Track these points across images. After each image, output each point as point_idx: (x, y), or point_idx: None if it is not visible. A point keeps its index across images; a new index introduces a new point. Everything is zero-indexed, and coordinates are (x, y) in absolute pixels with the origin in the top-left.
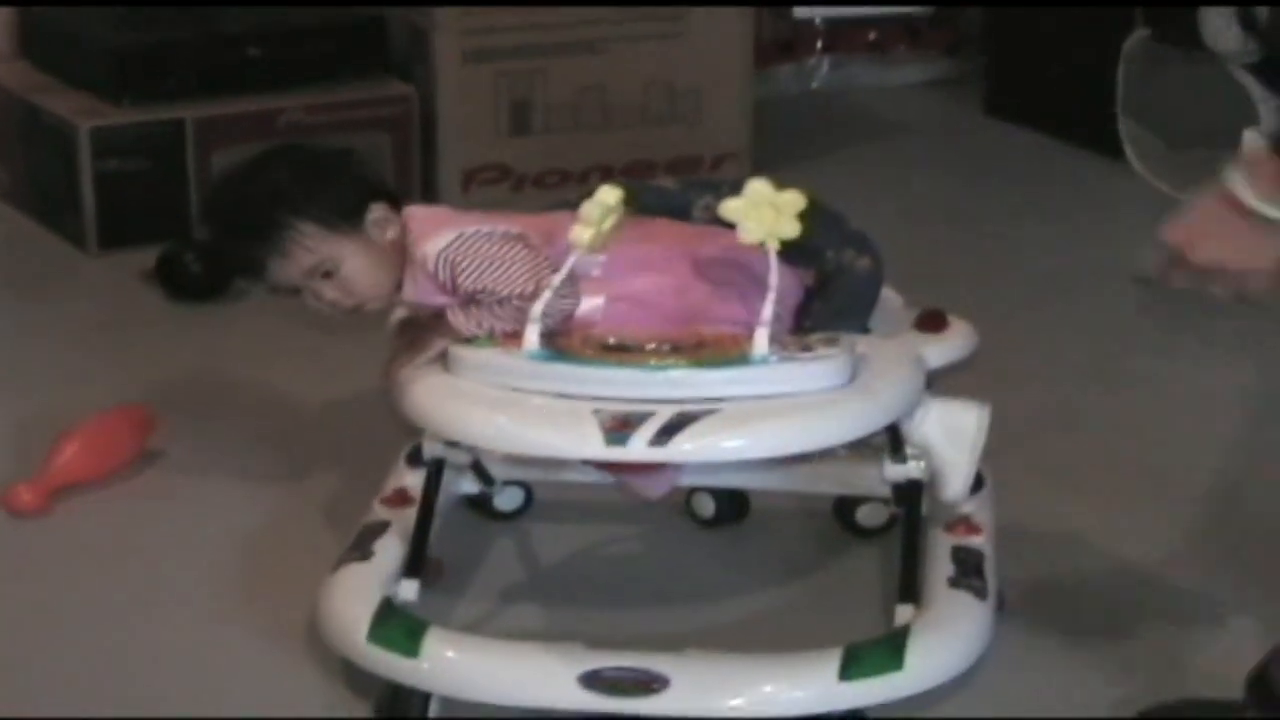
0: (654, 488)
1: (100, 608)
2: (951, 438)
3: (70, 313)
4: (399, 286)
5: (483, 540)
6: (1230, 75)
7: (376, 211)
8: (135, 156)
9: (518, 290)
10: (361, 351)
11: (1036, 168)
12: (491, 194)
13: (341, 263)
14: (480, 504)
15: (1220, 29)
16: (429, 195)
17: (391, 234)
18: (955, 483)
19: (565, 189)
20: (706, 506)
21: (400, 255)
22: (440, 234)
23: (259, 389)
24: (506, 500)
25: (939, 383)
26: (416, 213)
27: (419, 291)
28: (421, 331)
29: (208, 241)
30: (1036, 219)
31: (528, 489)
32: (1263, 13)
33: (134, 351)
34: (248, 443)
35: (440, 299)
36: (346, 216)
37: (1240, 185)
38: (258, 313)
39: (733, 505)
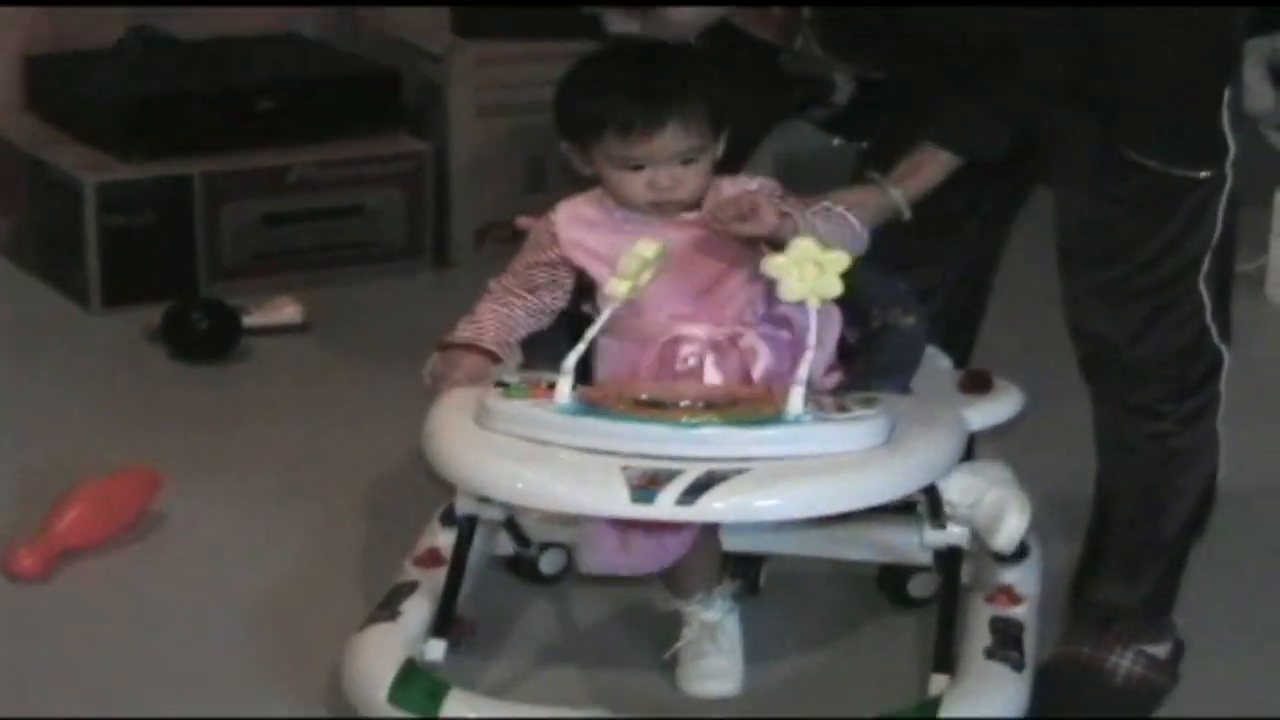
0: (657, 557)
1: (105, 676)
2: (980, 477)
3: (73, 371)
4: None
5: (519, 601)
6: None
7: (727, 129)
8: (142, 212)
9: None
10: (370, 409)
11: None
12: (507, 251)
13: (702, 157)
14: (522, 568)
15: (1253, 89)
16: (441, 253)
17: (718, 156)
18: (1011, 520)
19: None
20: None
21: None
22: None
23: (265, 449)
24: (549, 563)
25: (984, 444)
26: None
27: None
28: (459, 353)
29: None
30: None
31: (569, 551)
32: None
33: (138, 410)
34: (255, 504)
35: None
36: (717, 124)
37: None
38: (264, 371)
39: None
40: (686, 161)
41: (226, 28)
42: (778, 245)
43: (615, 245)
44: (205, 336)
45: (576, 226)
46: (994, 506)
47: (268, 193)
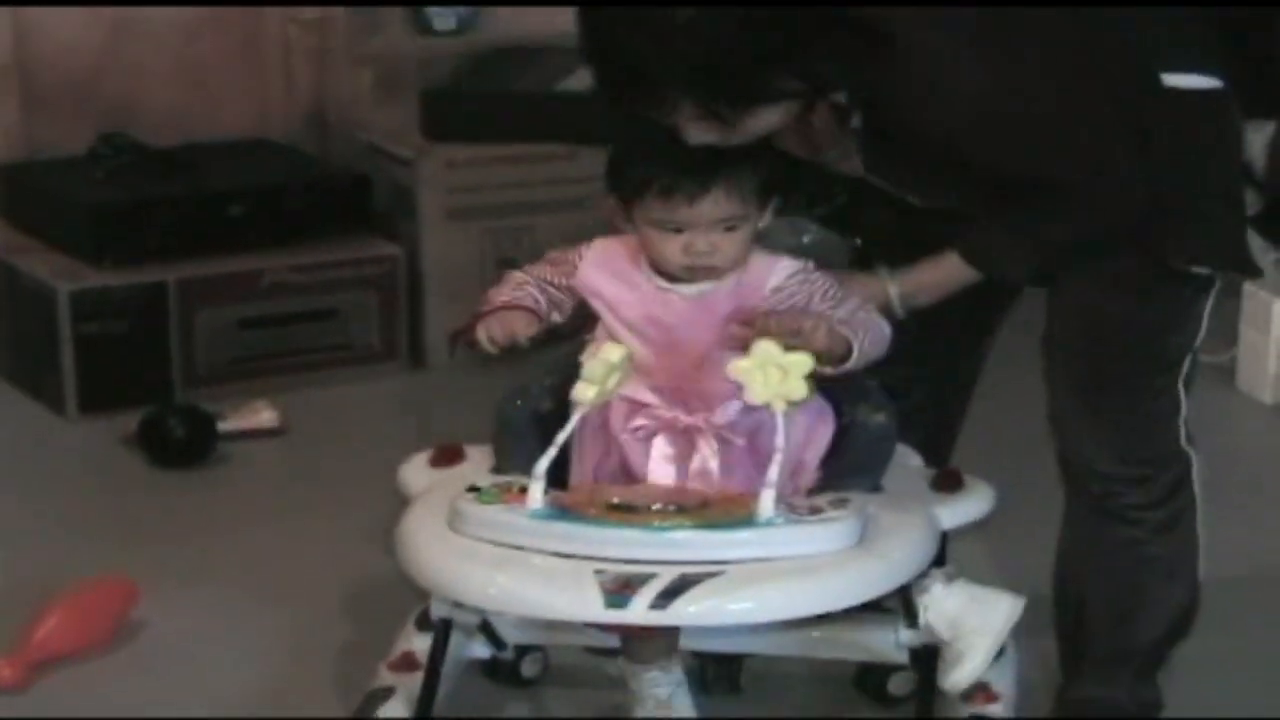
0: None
1: None
2: (977, 621)
3: (50, 479)
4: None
5: (496, 705)
6: None
7: (774, 204)
8: (116, 319)
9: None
10: (347, 512)
11: None
12: (479, 354)
13: (744, 226)
14: (500, 671)
15: None
16: (415, 355)
17: (763, 224)
18: (967, 665)
19: (556, 348)
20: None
21: None
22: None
23: (242, 554)
24: (529, 667)
25: (956, 542)
26: None
27: (742, 286)
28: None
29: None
30: None
31: (546, 654)
32: (1260, 163)
33: (116, 517)
34: (232, 611)
35: (752, 300)
36: (764, 193)
37: None
38: (241, 476)
39: (730, 672)
40: (728, 229)
41: (197, 134)
42: (825, 360)
43: (625, 302)
44: (181, 443)
45: (601, 272)
46: (961, 650)
47: (241, 298)
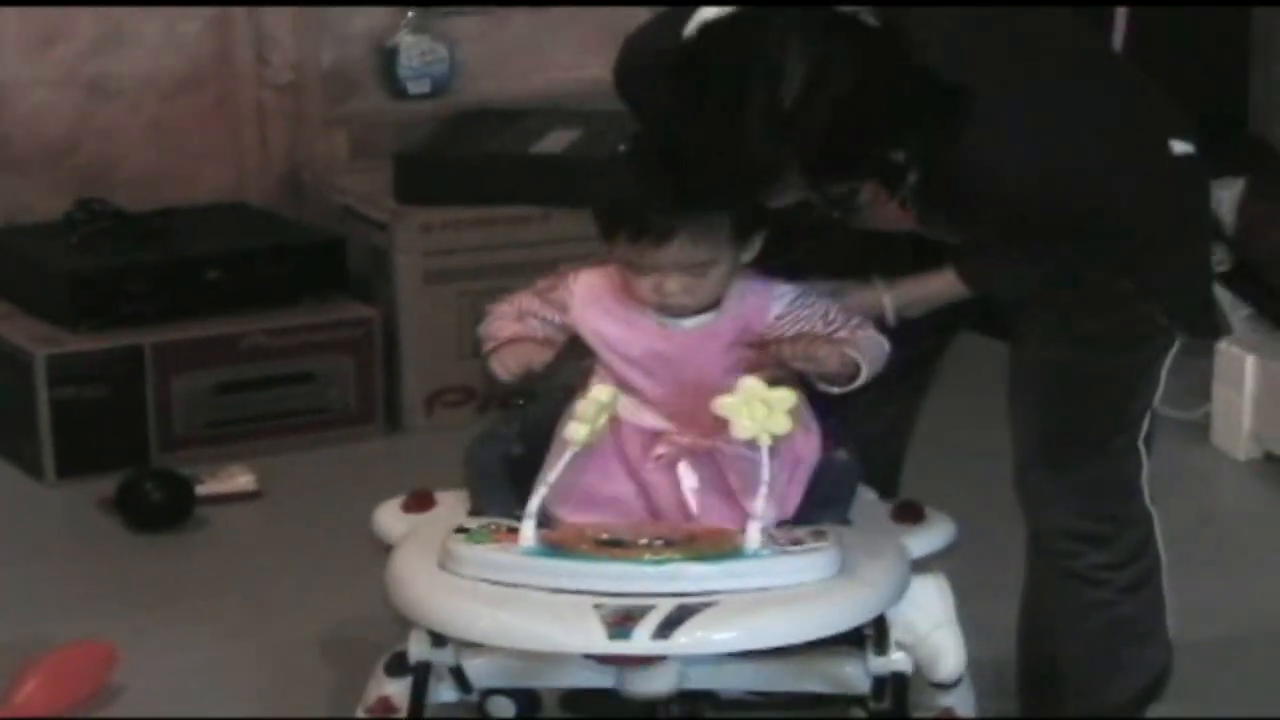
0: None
1: None
2: (921, 612)
3: (27, 543)
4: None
5: None
6: None
7: (758, 239)
8: (93, 384)
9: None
10: (324, 575)
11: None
12: (456, 416)
13: (715, 269)
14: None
15: None
16: (392, 418)
17: (747, 258)
18: (949, 658)
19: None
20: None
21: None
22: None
23: (222, 619)
24: (498, 708)
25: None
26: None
27: (740, 316)
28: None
29: (166, 471)
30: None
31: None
32: (1229, 220)
33: (94, 582)
34: (213, 674)
35: (755, 328)
36: (745, 231)
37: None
38: (218, 540)
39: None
40: (697, 274)
41: (173, 199)
42: (833, 379)
43: (625, 341)
44: (159, 507)
45: (595, 310)
46: (933, 647)
47: (218, 362)
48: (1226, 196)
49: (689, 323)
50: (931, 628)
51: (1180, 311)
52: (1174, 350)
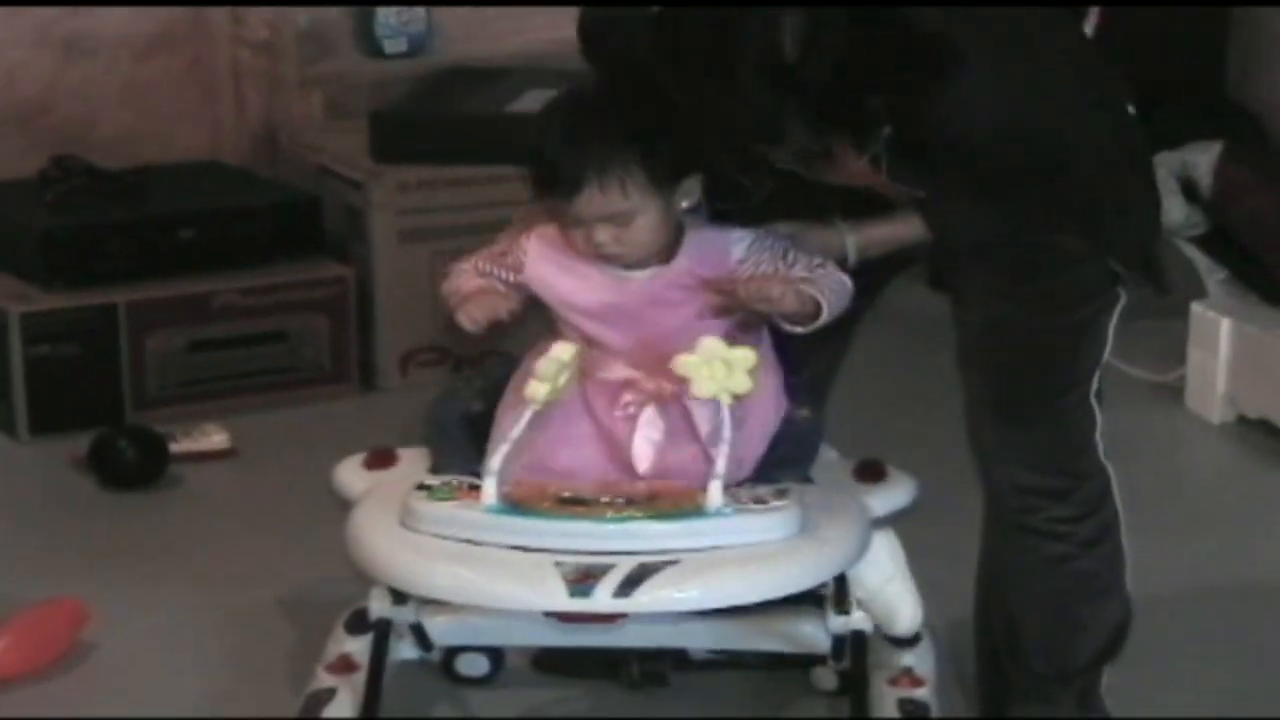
0: None
1: None
2: (870, 568)
3: (0, 501)
4: (662, 256)
5: (430, 703)
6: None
7: (689, 185)
8: (67, 342)
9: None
10: (298, 533)
11: None
12: (431, 376)
13: (639, 216)
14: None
15: (1164, 203)
16: (367, 377)
17: (687, 203)
18: (904, 611)
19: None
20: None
21: (676, 229)
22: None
23: (195, 576)
24: (468, 665)
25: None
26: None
27: (697, 264)
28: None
29: (139, 427)
30: None
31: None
32: (1206, 184)
33: (66, 541)
34: (184, 630)
35: (716, 274)
36: (668, 179)
37: None
38: (192, 498)
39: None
40: (620, 223)
41: (148, 157)
42: (796, 319)
43: (580, 294)
44: (132, 465)
45: (549, 265)
46: (889, 600)
47: (192, 320)
48: (1203, 160)
49: (641, 274)
50: (884, 581)
51: (1133, 267)
52: (1120, 306)
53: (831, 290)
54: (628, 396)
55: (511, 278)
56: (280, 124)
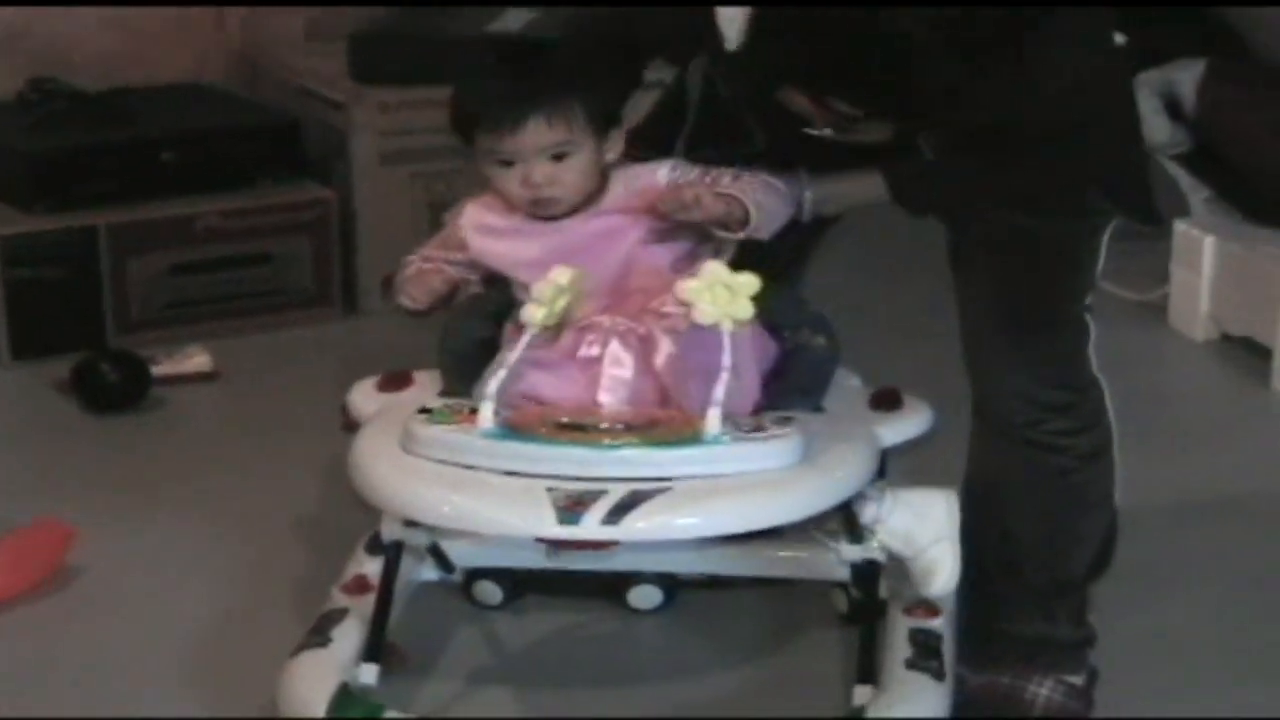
0: None
1: None
2: (924, 525)
3: None
4: (587, 199)
5: (451, 626)
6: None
7: (621, 129)
8: (48, 265)
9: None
10: (282, 454)
11: None
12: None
13: (576, 154)
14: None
15: (1148, 120)
16: (350, 299)
17: (612, 155)
18: (942, 575)
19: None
20: (651, 598)
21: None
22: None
23: (179, 497)
24: (485, 593)
25: (899, 459)
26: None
27: (629, 195)
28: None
29: (121, 350)
30: None
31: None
32: (1190, 102)
33: (50, 463)
34: (171, 551)
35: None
36: (605, 121)
37: None
38: (175, 420)
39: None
40: (558, 157)
41: (129, 79)
42: (727, 226)
43: (521, 249)
44: (115, 388)
45: (484, 235)
46: (930, 562)
47: (174, 243)
48: (1186, 78)
49: (574, 220)
50: (931, 541)
51: (1122, 198)
52: (1110, 225)
53: (757, 192)
54: (589, 336)
55: (459, 257)
56: (261, 45)
